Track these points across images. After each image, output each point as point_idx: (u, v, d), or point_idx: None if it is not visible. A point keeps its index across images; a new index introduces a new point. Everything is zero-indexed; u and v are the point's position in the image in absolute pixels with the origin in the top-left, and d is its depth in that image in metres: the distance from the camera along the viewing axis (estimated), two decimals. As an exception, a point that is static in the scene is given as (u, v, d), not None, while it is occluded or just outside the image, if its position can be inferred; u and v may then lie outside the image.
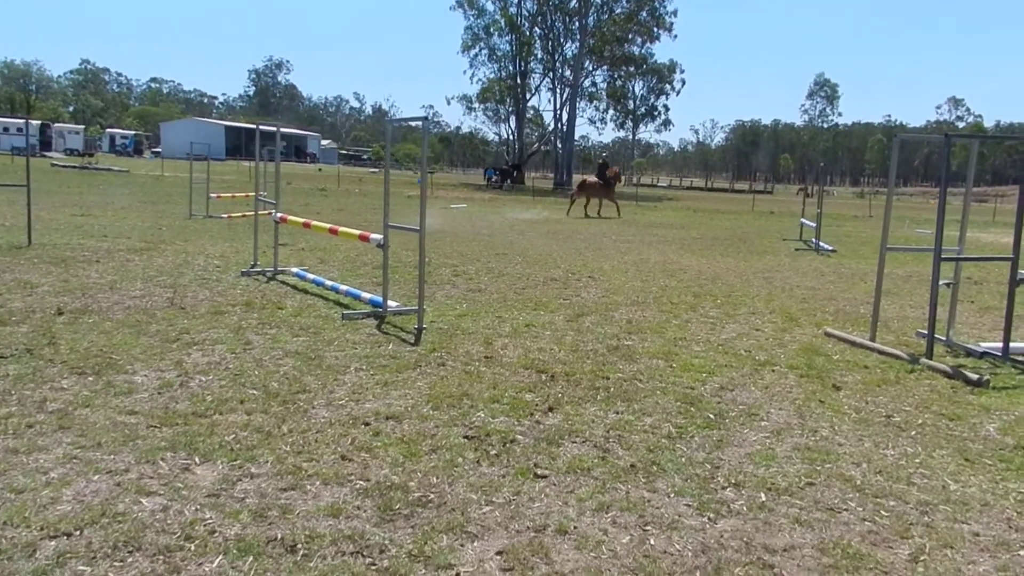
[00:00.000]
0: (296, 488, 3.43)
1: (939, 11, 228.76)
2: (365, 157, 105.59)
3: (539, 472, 3.74)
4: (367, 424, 4.29)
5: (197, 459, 3.68)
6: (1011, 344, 6.31)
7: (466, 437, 4.17)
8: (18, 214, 11.21)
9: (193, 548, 2.87)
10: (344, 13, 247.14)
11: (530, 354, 6.00)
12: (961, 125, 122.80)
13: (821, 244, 16.08)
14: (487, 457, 3.91)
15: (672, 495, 3.54)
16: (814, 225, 16.61)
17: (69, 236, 11.94)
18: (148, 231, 13.56)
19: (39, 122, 67.34)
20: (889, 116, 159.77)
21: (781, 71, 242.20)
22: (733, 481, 3.72)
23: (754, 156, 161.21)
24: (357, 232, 7.88)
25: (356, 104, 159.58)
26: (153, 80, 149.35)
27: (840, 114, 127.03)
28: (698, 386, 5.32)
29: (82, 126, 78.01)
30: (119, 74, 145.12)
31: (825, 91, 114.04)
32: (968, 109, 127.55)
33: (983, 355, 6.41)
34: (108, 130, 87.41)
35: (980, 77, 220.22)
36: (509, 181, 54.81)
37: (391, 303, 7.37)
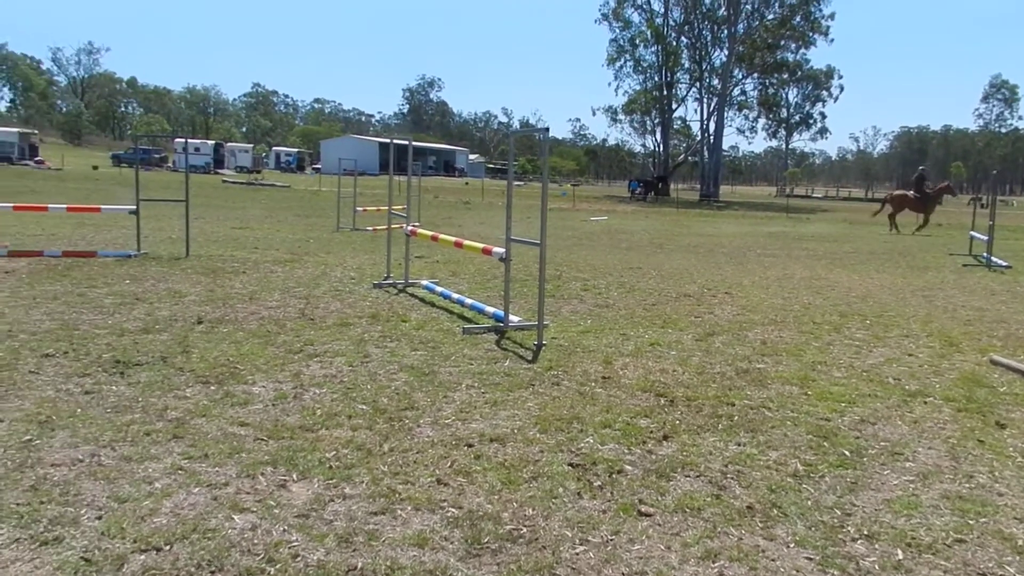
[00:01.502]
0: (386, 512, 3.32)
1: None
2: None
3: (643, 509, 3.45)
4: (470, 446, 4.15)
5: (295, 475, 3.66)
6: None
7: (571, 465, 3.94)
8: (186, 227, 11.99)
9: (273, 572, 2.80)
10: (493, 31, 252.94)
11: (651, 375, 5.68)
12: None
13: (994, 259, 14.61)
14: (590, 489, 3.66)
15: (792, 545, 3.16)
16: (986, 239, 15.13)
17: (224, 248, 12.67)
18: (296, 243, 14.20)
19: (213, 142, 72.97)
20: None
21: (951, 73, 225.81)
22: (866, 532, 3.28)
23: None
24: (481, 246, 7.82)
25: (504, 119, 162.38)
26: (316, 101, 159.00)
27: (1021, 118, 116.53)
28: (835, 418, 4.82)
29: (251, 145, 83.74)
30: (286, 96, 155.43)
31: (1003, 93, 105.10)
32: None
33: None
34: (274, 148, 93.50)
35: None
36: (653, 193, 53.92)
37: (513, 318, 7.24)
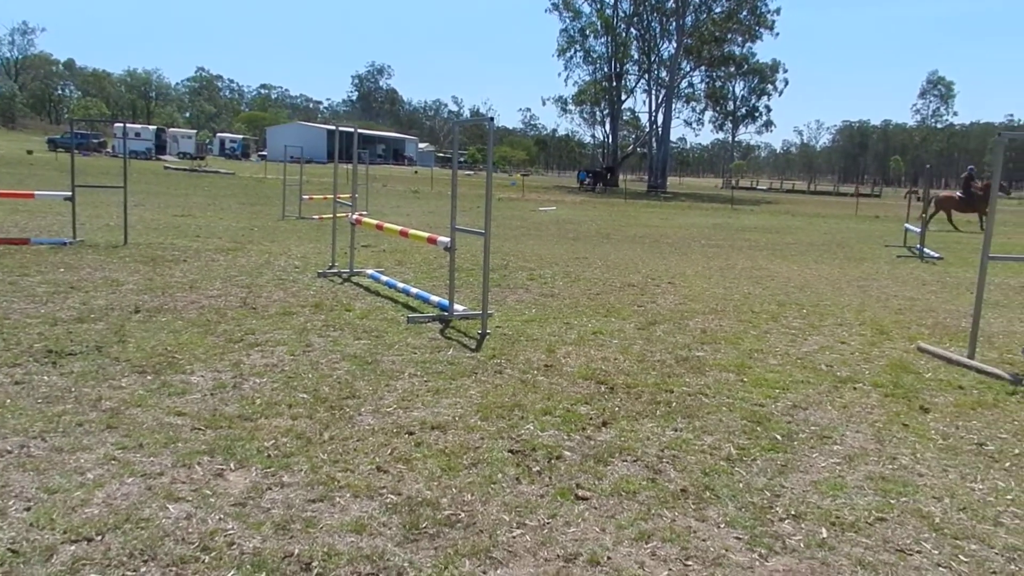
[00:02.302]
0: (325, 500, 3.32)
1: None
2: (462, 160, 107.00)
3: (580, 493, 3.51)
4: (411, 433, 4.16)
5: (232, 464, 3.63)
6: None
7: (510, 451, 3.99)
8: (123, 214, 11.70)
9: (207, 560, 2.79)
10: (443, 18, 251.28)
11: (593, 363, 5.76)
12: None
13: (926, 251, 15.11)
14: (528, 474, 3.71)
15: (722, 525, 3.25)
16: (919, 230, 15.63)
17: (164, 236, 12.41)
18: (240, 231, 13.97)
19: (155, 127, 71.14)
20: (1012, 115, 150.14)
21: (891, 69, 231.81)
22: (793, 512, 3.39)
23: (862, 158, 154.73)
24: (426, 235, 7.81)
25: (454, 108, 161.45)
26: (263, 86, 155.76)
27: (956, 114, 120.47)
28: (769, 403, 4.96)
29: (194, 131, 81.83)
30: (231, 81, 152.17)
31: (939, 89, 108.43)
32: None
33: (1099, 378, 5.77)
34: (219, 135, 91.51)
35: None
36: (602, 184, 54.32)
37: (458, 307, 7.26)
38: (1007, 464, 4.06)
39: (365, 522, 3.13)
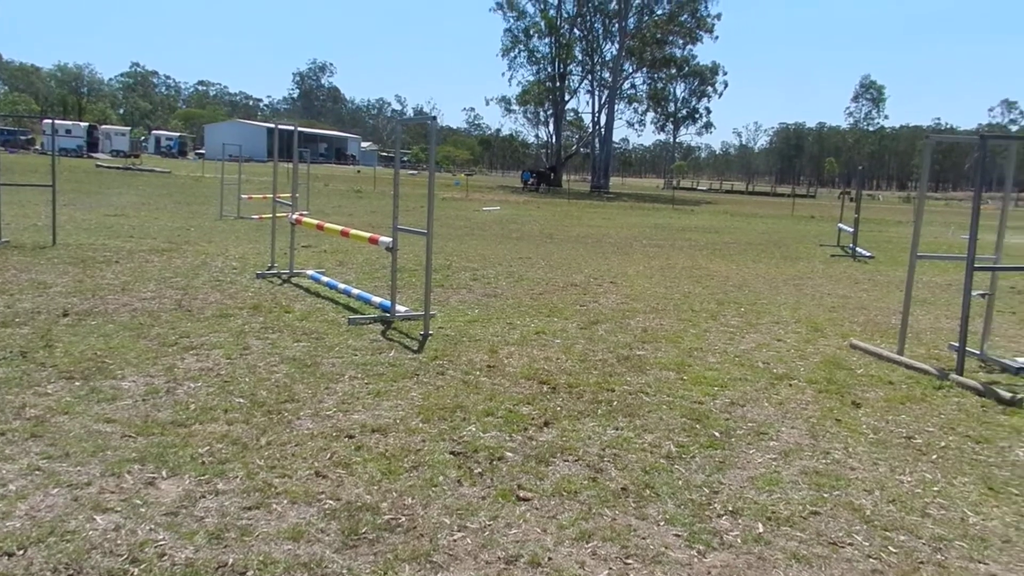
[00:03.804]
0: (261, 507, 3.25)
1: (990, 11, 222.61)
2: (405, 159, 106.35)
3: (522, 494, 3.51)
4: (351, 437, 4.10)
5: (164, 473, 3.52)
6: (1051, 360, 5.91)
7: (452, 453, 3.96)
8: (52, 214, 11.29)
9: (137, 573, 2.70)
10: (386, 16, 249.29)
11: (535, 363, 5.77)
12: (1015, 128, 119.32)
13: (859, 250, 15.56)
14: (470, 476, 3.69)
15: (662, 523, 3.28)
16: (852, 230, 16.09)
17: (95, 236, 12.01)
18: (175, 232, 13.62)
19: (86, 124, 68.91)
20: (939, 119, 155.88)
21: (826, 73, 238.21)
22: (731, 508, 3.45)
23: (798, 159, 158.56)
24: (368, 235, 7.72)
25: (398, 107, 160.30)
26: (200, 83, 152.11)
27: (887, 117, 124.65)
28: (707, 401, 5.04)
29: (128, 128, 79.50)
30: (167, 77, 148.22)
31: (871, 93, 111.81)
32: (1022, 112, 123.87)
33: (1019, 371, 6.02)
34: (154, 132, 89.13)
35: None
36: (545, 184, 54.56)
37: (400, 308, 7.20)
38: (934, 456, 4.19)
39: (303, 529, 3.07)
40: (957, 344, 5.97)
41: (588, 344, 6.51)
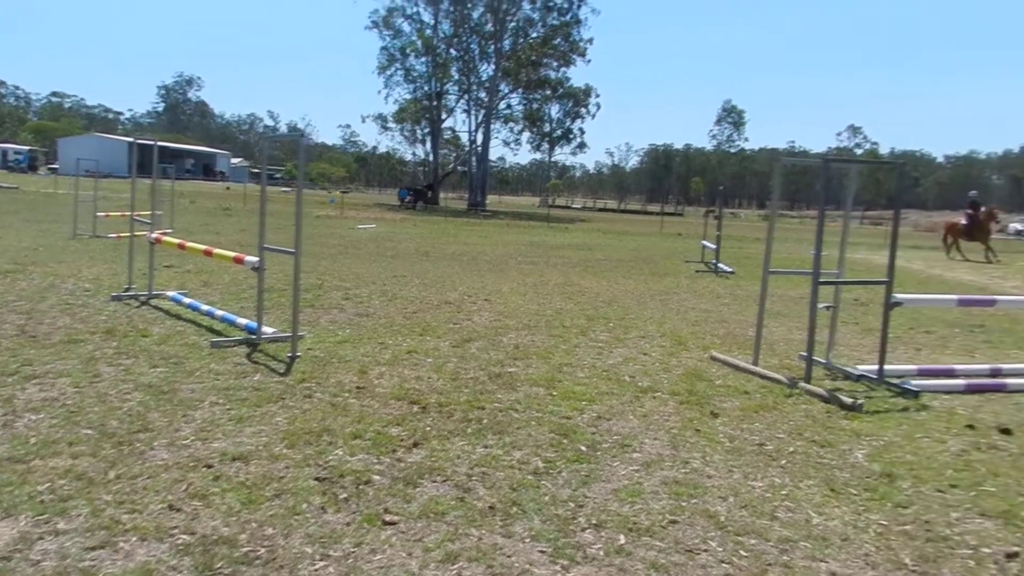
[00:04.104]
0: (107, 546, 3.06)
1: (840, 42, 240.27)
2: (278, 176, 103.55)
3: (388, 518, 3.46)
4: (209, 467, 3.93)
5: (-3, 514, 3.26)
6: (886, 366, 6.37)
7: (317, 479, 3.86)
8: None
9: (-40, 625, 2.48)
10: (258, 31, 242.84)
11: (406, 383, 5.72)
12: (859, 152, 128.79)
13: (720, 266, 16.34)
14: (335, 502, 3.61)
15: (528, 540, 3.32)
16: (714, 247, 16.88)
17: (-73, 258, 11.04)
18: (22, 251, 12.69)
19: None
20: (793, 142, 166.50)
21: (693, 97, 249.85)
22: (594, 521, 3.52)
23: (667, 179, 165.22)
24: (233, 254, 7.46)
25: (271, 122, 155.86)
26: (54, 94, 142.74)
27: (747, 139, 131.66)
28: (575, 416, 5.14)
29: (-31, 140, 73.64)
30: (16, 87, 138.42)
31: (732, 117, 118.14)
32: (866, 136, 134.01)
33: (859, 378, 6.47)
34: (0, 145, 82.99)
35: (878, 106, 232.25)
36: (422, 202, 54.45)
37: (267, 329, 6.98)
38: (783, 462, 4.44)
39: (152, 567, 2.91)
40: (805, 354, 6.35)
41: (460, 362, 6.51)
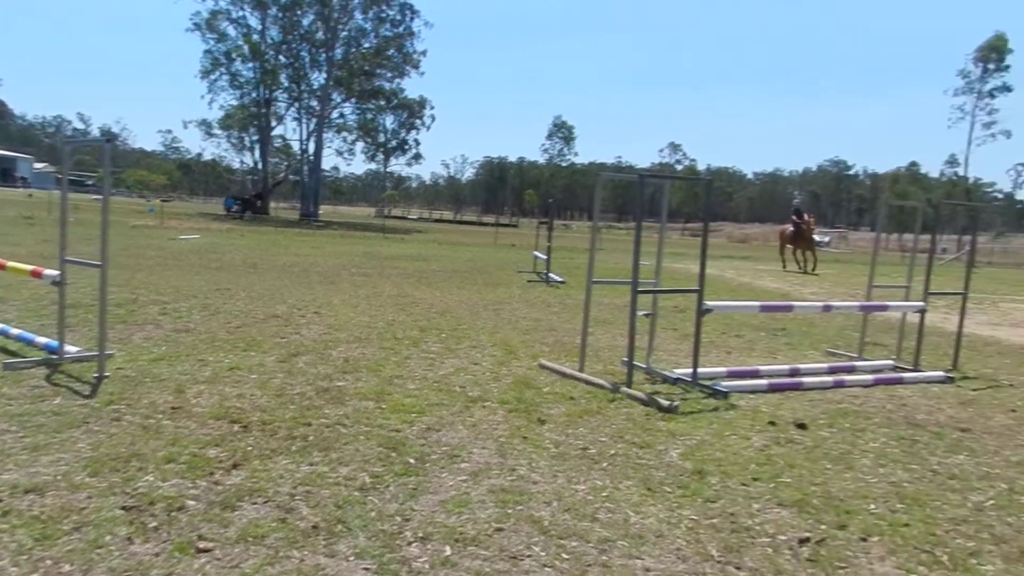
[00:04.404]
0: None
1: (662, 66, 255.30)
2: (89, 183, 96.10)
3: (202, 545, 3.28)
4: (-3, 502, 3.57)
5: None
6: (699, 369, 6.79)
7: (123, 508, 3.60)
8: None
9: None
10: (65, 28, 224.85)
11: (227, 402, 5.46)
12: (679, 167, 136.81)
13: (552, 276, 16.82)
14: (143, 531, 3.37)
15: (352, 558, 3.25)
16: (545, 258, 17.35)
17: None
18: None
19: None
20: (620, 157, 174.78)
21: (526, 112, 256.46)
22: (421, 535, 3.50)
23: (502, 191, 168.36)
24: (29, 267, 6.83)
25: (81, 125, 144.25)
26: None
27: (576, 154, 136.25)
28: (405, 428, 5.10)
29: None
30: None
31: (563, 132, 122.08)
32: (685, 153, 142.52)
33: (676, 381, 6.85)
34: None
35: (696, 126, 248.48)
36: (251, 211, 52.40)
37: (70, 348, 6.44)
38: (605, 464, 4.61)
39: (-78, 618, 2.60)
40: (627, 359, 6.65)
41: (286, 378, 6.30)
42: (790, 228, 25.00)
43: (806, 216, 24.49)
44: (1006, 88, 64.21)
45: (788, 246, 25.33)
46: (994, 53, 63.62)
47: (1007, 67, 63.70)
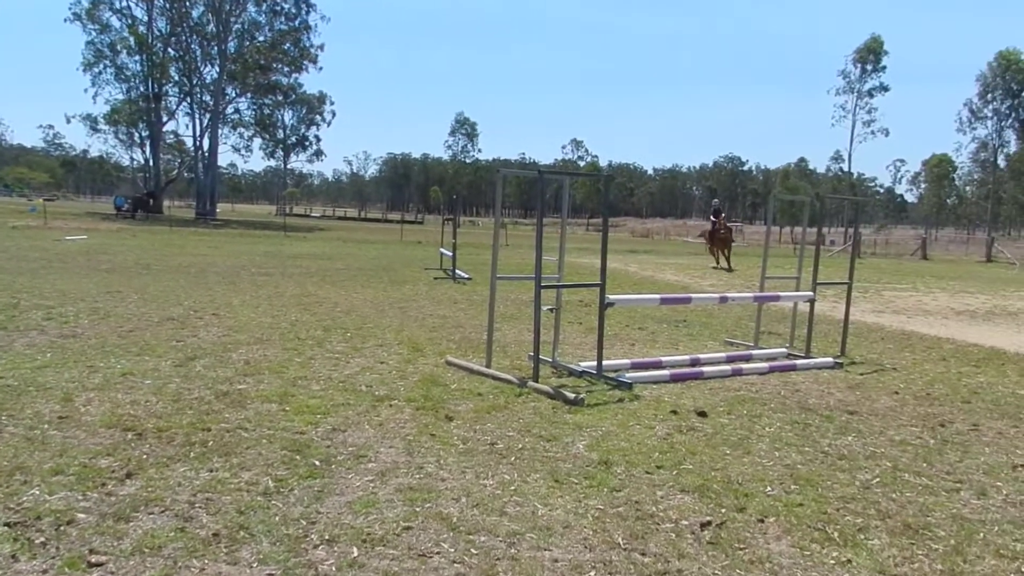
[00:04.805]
0: None
1: (564, 66, 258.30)
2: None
3: (94, 559, 3.13)
4: None
5: None
6: (604, 362, 6.92)
7: (7, 525, 3.40)
8: None
9: None
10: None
11: (119, 409, 5.22)
12: (582, 163, 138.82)
13: (458, 272, 16.80)
14: (29, 548, 3.19)
15: (255, 565, 3.16)
16: (451, 254, 17.32)
17: None
18: None
19: None
20: (524, 153, 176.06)
21: (428, 109, 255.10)
22: (327, 537, 3.44)
23: (407, 188, 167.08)
24: None
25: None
26: None
27: (480, 150, 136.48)
28: (310, 430, 5.00)
29: None
30: None
31: (466, 128, 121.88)
32: (587, 150, 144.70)
33: (582, 374, 6.96)
34: None
35: (598, 123, 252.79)
36: (143, 210, 50.23)
37: (-57, 359, 6.03)
38: (512, 459, 4.64)
39: None
40: (533, 354, 6.72)
41: (184, 382, 6.07)
42: (708, 228, 25.63)
43: (723, 215, 24.94)
44: (883, 88, 67.85)
45: (708, 244, 25.98)
46: (871, 55, 67.14)
47: (883, 68, 67.32)
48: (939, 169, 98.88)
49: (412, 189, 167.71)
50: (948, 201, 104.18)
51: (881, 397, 6.88)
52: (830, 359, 8.37)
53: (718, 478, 4.48)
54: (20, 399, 5.34)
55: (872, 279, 22.79)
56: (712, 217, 25.18)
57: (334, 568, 3.16)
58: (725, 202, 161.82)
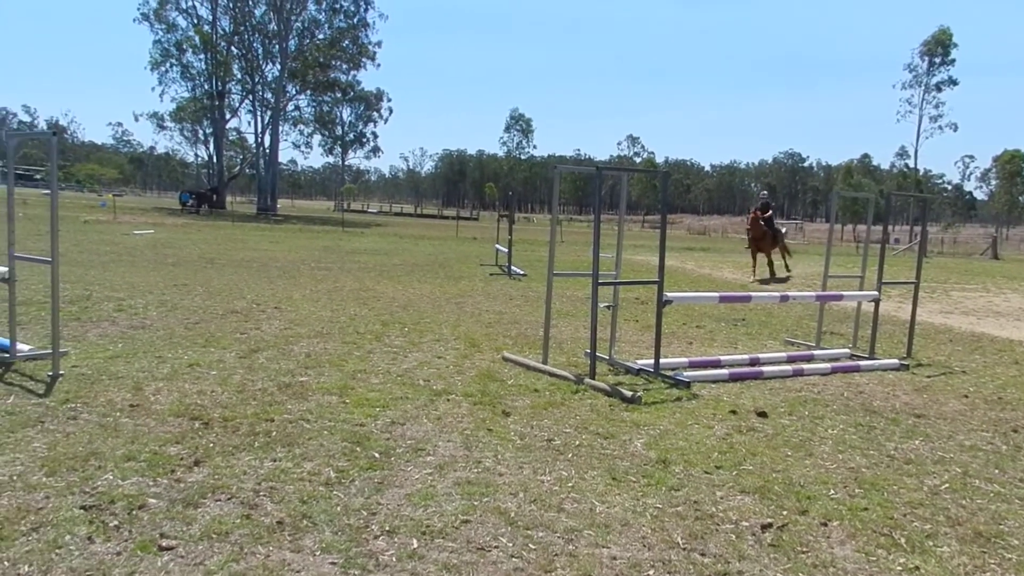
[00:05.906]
0: None
1: (620, 60, 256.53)
2: (38, 177, 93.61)
3: (164, 543, 3.23)
4: (-51, 504, 3.47)
5: None
6: (661, 360, 6.87)
7: (83, 508, 3.53)
8: None
9: None
10: (10, 17, 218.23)
11: (187, 399, 5.38)
12: (638, 160, 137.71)
13: (513, 268, 16.84)
14: (104, 531, 3.31)
15: (318, 553, 3.23)
16: (507, 251, 17.36)
17: None
18: None
19: None
20: (579, 149, 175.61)
21: (484, 105, 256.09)
22: (387, 528, 3.49)
23: (462, 184, 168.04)
24: (-22, 265, 6.64)
25: (27, 118, 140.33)
26: None
27: (535, 147, 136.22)
28: (369, 422, 5.07)
29: None
30: None
31: (520, 125, 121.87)
32: (643, 146, 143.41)
33: (639, 372, 6.92)
34: None
35: (654, 119, 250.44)
36: (207, 206, 51.54)
37: (22, 347, 6.30)
38: (570, 455, 4.64)
39: None
40: (590, 351, 6.70)
41: (247, 373, 6.22)
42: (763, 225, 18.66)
43: (767, 212, 19.03)
44: (952, 81, 65.89)
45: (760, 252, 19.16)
46: (939, 47, 65.11)
47: (952, 61, 65.28)
48: (1011, 165, 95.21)
49: (467, 185, 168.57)
50: (1021, 199, 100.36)
51: (950, 401, 6.69)
52: (896, 361, 8.16)
53: (779, 480, 4.41)
54: (93, 387, 5.54)
55: (939, 279, 22.11)
56: (758, 211, 18.89)
57: (394, 559, 3.21)
58: (784, 199, 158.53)
